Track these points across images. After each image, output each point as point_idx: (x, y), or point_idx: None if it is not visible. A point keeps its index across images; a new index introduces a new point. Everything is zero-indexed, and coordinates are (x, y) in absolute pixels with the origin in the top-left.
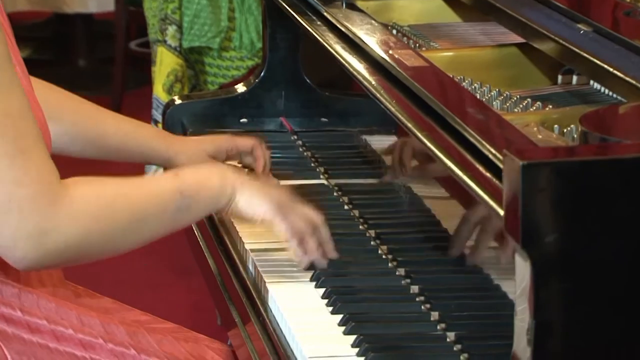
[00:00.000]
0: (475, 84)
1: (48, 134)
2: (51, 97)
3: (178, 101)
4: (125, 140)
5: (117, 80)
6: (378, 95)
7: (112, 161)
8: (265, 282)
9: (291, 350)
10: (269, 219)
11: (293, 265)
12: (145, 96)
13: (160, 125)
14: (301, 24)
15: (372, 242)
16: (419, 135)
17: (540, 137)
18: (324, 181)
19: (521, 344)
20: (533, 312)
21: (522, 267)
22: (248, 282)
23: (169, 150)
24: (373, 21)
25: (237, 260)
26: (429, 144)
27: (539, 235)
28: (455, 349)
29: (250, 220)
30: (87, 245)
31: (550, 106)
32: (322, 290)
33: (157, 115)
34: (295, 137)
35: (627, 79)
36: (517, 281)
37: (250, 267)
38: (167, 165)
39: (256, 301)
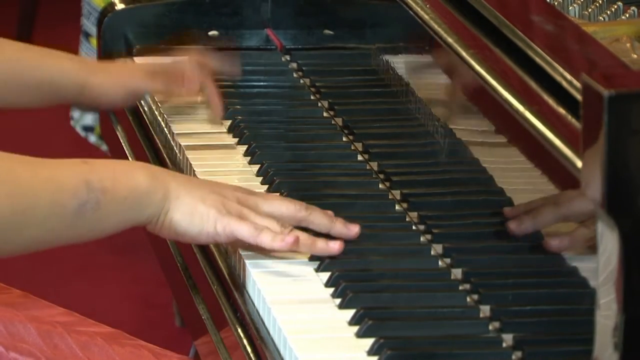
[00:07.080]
0: None
1: None
2: None
3: (120, 5)
4: (19, 65)
5: None
6: None
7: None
8: (245, 264)
9: None
10: (227, 233)
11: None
12: None
13: (94, 41)
14: None
15: (396, 207)
16: (464, 54)
17: (635, 56)
18: (328, 120)
19: (605, 349)
20: (622, 304)
21: (608, 242)
22: (222, 265)
23: (82, 70)
24: None
25: None
26: (477, 67)
27: (632, 196)
28: (513, 357)
29: (195, 241)
30: None
31: None
32: (325, 276)
33: (89, 25)
34: (288, 57)
35: None
36: (601, 262)
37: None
38: (80, 96)
39: (233, 292)
